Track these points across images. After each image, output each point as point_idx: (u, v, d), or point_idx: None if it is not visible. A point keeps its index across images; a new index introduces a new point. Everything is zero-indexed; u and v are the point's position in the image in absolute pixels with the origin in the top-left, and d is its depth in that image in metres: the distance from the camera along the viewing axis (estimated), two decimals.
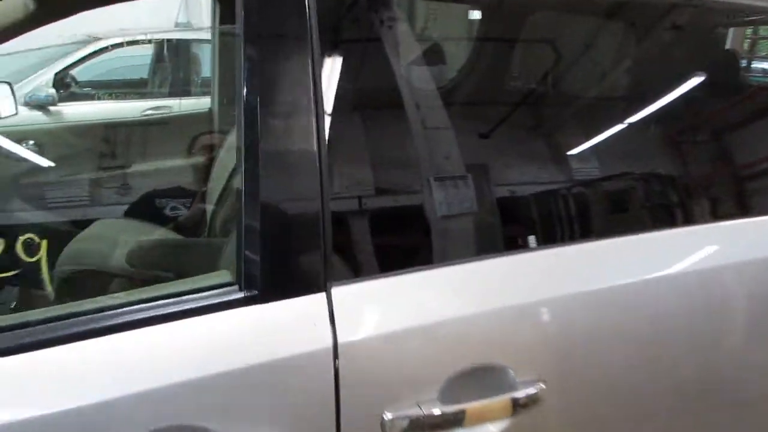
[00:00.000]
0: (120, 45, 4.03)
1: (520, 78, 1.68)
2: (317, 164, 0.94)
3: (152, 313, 0.89)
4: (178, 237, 1.43)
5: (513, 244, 1.23)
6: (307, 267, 0.95)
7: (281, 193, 0.94)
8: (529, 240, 1.23)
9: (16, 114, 2.23)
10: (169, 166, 2.58)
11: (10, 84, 2.17)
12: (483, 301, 1.03)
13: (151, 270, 1.33)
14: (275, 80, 0.94)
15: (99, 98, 3.88)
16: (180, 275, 1.12)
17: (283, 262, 0.95)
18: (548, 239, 1.25)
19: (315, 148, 0.94)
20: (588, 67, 1.58)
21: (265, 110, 0.93)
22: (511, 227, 1.24)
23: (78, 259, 1.58)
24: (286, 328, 0.94)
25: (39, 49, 3.69)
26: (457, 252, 1.12)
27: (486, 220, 1.17)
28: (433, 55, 1.37)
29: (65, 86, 3.77)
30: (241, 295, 0.92)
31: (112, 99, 3.95)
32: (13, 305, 1.45)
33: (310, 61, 0.95)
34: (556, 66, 1.58)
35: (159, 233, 1.46)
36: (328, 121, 0.97)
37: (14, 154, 2.27)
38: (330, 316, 0.94)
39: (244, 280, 0.92)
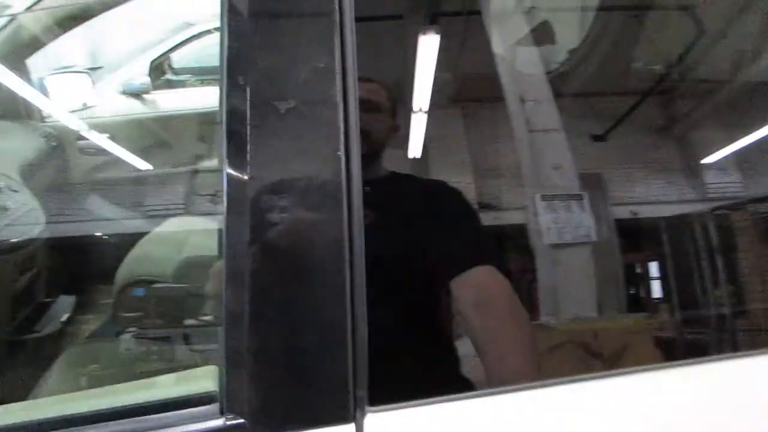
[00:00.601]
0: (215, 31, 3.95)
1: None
2: (344, 206, 0.61)
3: None
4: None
5: None
6: (325, 382, 0.61)
7: (284, 253, 0.62)
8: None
9: (95, 106, 2.15)
10: None
11: (89, 73, 2.10)
12: None
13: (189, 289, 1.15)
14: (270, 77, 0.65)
15: (193, 85, 3.83)
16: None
17: (286, 375, 0.61)
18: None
19: (341, 174, 0.61)
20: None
21: (257, 112, 0.64)
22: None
23: (137, 267, 1.44)
24: None
25: (134, 36, 3.68)
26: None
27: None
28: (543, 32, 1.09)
29: (160, 74, 3.74)
30: (220, 422, 0.61)
31: (207, 86, 3.89)
32: (65, 317, 1.34)
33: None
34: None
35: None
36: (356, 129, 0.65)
37: (93, 148, 2.20)
38: None
39: (226, 398, 0.62)
